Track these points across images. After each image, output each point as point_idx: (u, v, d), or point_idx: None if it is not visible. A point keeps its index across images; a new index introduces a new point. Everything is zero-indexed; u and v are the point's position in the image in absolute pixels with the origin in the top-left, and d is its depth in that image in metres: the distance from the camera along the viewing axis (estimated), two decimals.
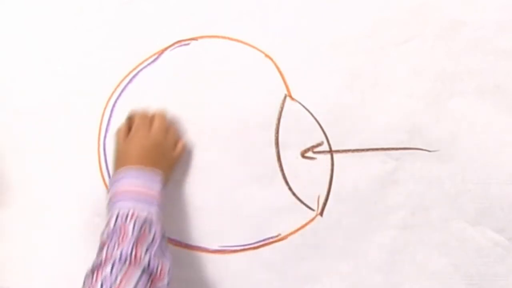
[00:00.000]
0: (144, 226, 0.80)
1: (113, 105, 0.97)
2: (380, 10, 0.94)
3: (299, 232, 0.93)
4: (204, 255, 0.94)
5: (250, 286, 0.93)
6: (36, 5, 0.98)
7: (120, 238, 0.78)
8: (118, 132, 0.92)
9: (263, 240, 0.94)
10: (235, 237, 0.94)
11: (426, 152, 0.92)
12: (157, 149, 0.89)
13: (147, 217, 0.81)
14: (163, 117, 0.93)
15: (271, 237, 0.94)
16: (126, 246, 0.77)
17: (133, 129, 0.91)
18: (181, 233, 0.94)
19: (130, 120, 0.93)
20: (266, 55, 0.95)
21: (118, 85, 0.97)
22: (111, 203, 0.83)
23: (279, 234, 0.94)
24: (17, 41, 0.98)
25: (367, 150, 0.93)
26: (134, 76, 0.97)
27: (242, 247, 0.94)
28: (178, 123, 0.95)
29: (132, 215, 0.80)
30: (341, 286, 0.92)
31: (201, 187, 0.94)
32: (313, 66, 0.94)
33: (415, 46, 0.93)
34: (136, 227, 0.79)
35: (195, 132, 0.95)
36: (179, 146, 0.93)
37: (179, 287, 0.93)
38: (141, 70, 0.97)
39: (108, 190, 0.86)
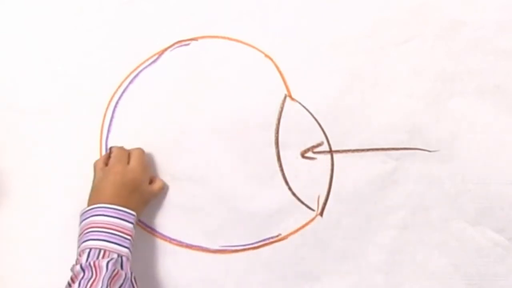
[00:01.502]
0: (116, 266, 0.81)
1: (115, 106, 0.97)
2: (380, 10, 0.94)
3: (299, 232, 0.93)
4: (204, 255, 0.94)
5: (250, 286, 0.93)
6: (36, 5, 0.98)
7: (94, 276, 0.79)
8: (97, 162, 0.92)
9: (263, 240, 0.94)
10: (235, 237, 0.94)
11: (426, 152, 0.92)
12: (132, 186, 0.89)
13: (119, 256, 0.82)
14: (140, 153, 0.92)
15: (271, 237, 0.94)
16: (100, 285, 0.78)
17: (110, 163, 0.90)
18: (182, 233, 0.94)
19: (110, 152, 0.93)
20: (266, 55, 0.95)
21: (120, 86, 0.97)
22: (82, 237, 0.84)
23: (279, 234, 0.94)
24: (17, 41, 0.98)
25: (367, 150, 0.93)
26: (135, 77, 0.97)
27: (242, 247, 0.94)
28: (155, 160, 0.95)
29: (104, 253, 0.81)
30: (341, 286, 0.92)
31: (201, 187, 0.94)
32: (313, 66, 0.94)
33: (415, 46, 0.93)
34: (109, 267, 0.80)
35: (195, 132, 0.95)
36: (157, 184, 0.93)
37: (180, 287, 0.93)
38: (142, 70, 0.97)
39: (80, 221, 0.86)
